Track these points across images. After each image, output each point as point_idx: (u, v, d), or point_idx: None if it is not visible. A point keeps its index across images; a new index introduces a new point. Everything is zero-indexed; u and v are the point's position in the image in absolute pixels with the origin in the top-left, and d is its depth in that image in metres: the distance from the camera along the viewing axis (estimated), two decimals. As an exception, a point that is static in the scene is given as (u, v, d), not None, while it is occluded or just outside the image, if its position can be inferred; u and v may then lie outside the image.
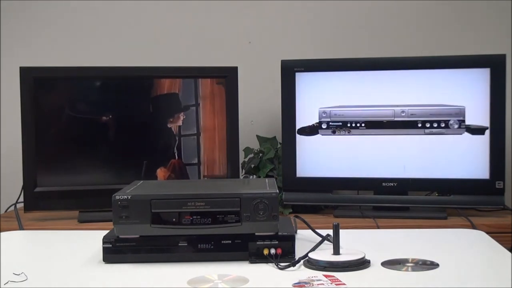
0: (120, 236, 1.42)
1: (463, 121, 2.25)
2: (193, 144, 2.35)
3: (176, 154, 2.34)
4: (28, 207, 2.25)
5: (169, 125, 2.34)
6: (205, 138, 2.35)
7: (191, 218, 1.42)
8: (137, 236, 1.42)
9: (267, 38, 2.69)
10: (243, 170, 2.50)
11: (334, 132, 2.34)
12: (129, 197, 1.42)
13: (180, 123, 2.34)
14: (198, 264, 1.40)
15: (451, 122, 2.26)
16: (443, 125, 2.27)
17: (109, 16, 2.71)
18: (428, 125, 2.27)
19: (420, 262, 1.39)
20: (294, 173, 2.36)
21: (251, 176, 2.47)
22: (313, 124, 2.34)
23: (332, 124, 2.34)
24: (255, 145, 2.54)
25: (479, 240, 1.65)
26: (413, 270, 1.35)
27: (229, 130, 2.34)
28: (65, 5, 2.70)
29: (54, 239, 1.77)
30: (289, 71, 2.34)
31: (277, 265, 1.37)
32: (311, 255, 1.38)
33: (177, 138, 2.34)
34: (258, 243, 1.41)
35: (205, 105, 2.34)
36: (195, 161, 2.35)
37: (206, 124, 2.35)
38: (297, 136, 2.35)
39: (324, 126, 2.34)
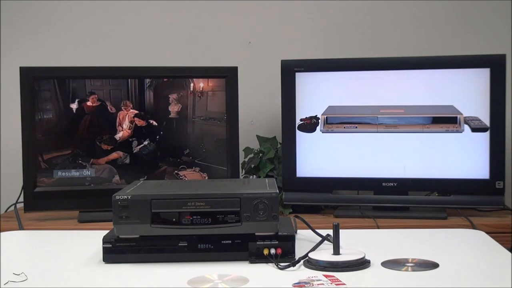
0: (120, 236, 1.42)
1: (463, 121, 2.25)
2: (193, 144, 2.35)
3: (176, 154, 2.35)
4: (28, 207, 2.25)
5: (170, 125, 2.34)
6: (205, 138, 2.35)
7: (191, 218, 1.42)
8: (137, 236, 1.42)
9: (267, 38, 2.69)
10: (243, 170, 2.50)
11: (334, 132, 2.34)
12: (129, 197, 1.42)
13: (180, 122, 2.34)
14: (198, 264, 1.40)
15: (451, 122, 2.26)
16: (443, 124, 2.26)
17: (108, 16, 2.71)
18: (428, 124, 2.27)
19: (420, 262, 1.39)
20: (294, 173, 2.36)
21: (251, 176, 2.47)
22: (312, 121, 2.34)
23: (332, 124, 2.34)
24: (255, 145, 2.54)
25: (479, 240, 1.65)
26: (413, 270, 1.34)
27: (229, 130, 2.34)
28: (65, 5, 2.71)
29: (54, 239, 1.77)
30: (289, 71, 2.34)
31: (277, 265, 1.37)
32: (311, 255, 1.38)
33: (177, 138, 2.35)
34: (258, 243, 1.41)
35: (205, 105, 2.34)
36: (196, 160, 2.35)
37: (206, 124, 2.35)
38: (297, 136, 2.35)
39: (324, 126, 2.34)
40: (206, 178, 2.34)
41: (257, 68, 2.65)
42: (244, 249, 1.41)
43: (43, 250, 1.64)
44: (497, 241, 1.60)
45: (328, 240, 1.46)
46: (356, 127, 2.32)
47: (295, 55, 2.42)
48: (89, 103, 2.29)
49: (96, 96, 2.29)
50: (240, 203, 1.41)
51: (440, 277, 1.31)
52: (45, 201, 2.25)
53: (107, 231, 1.49)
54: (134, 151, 2.33)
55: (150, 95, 2.33)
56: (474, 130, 2.24)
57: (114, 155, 2.31)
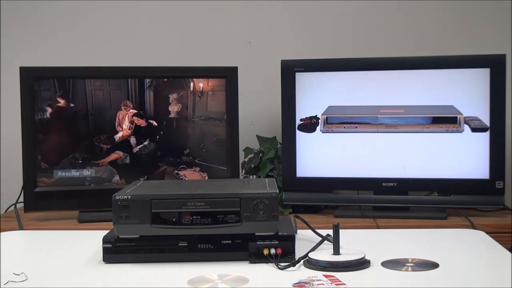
0: (120, 236, 1.42)
1: (463, 121, 2.25)
2: (193, 144, 2.35)
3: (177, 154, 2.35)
4: (28, 207, 2.25)
5: (170, 125, 2.34)
6: (205, 138, 2.35)
7: (191, 218, 1.42)
8: (137, 236, 1.42)
9: (267, 38, 2.69)
10: (243, 170, 2.50)
11: (334, 132, 2.34)
12: (129, 197, 1.42)
13: (180, 122, 2.34)
14: (198, 264, 1.40)
15: (451, 122, 2.26)
16: (443, 124, 2.26)
17: (109, 16, 2.71)
18: (428, 124, 2.27)
19: (420, 262, 1.39)
20: (294, 173, 2.36)
21: (251, 176, 2.47)
22: (312, 121, 2.34)
23: (332, 124, 2.34)
24: (255, 145, 2.54)
25: (479, 240, 1.65)
26: (413, 270, 1.34)
27: (229, 130, 2.34)
28: (65, 5, 2.71)
29: (54, 239, 1.77)
30: (289, 71, 2.34)
31: (277, 265, 1.37)
32: (311, 255, 1.38)
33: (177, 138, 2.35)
34: (258, 243, 1.41)
35: (205, 105, 2.34)
36: (196, 160, 2.35)
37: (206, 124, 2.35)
38: (297, 136, 2.35)
39: (324, 126, 2.34)
40: (206, 178, 2.34)
41: (257, 68, 2.65)
42: (244, 249, 1.41)
43: (43, 250, 1.64)
44: (497, 241, 1.60)
45: (328, 240, 1.46)
46: (356, 127, 2.32)
47: (295, 55, 2.42)
48: (60, 105, 2.28)
49: (64, 100, 2.27)
50: (240, 203, 1.41)
51: (440, 277, 1.31)
52: (45, 201, 2.25)
53: (107, 231, 1.49)
54: (134, 151, 2.33)
55: (150, 95, 2.33)
56: (474, 130, 2.24)
57: (114, 156, 2.31)
